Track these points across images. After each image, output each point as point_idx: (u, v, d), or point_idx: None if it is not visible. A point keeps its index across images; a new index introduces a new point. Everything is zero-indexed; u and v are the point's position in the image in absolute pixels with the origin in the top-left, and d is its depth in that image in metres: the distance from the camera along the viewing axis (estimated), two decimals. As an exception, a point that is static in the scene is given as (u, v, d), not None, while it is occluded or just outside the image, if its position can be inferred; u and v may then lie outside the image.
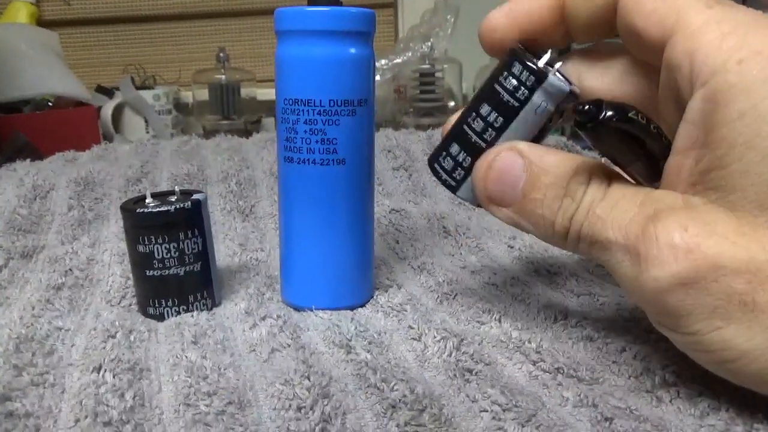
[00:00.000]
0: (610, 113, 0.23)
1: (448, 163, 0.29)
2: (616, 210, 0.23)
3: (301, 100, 0.33)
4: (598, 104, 0.23)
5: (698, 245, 0.21)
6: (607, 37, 0.27)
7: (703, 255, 0.21)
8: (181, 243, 0.34)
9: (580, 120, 0.24)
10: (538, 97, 0.26)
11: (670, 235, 0.21)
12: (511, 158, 0.26)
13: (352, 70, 0.33)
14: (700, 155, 0.22)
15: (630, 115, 0.23)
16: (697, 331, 0.22)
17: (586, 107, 0.23)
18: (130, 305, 0.36)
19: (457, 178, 0.29)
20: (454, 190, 0.29)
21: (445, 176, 0.29)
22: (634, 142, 0.24)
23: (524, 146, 0.26)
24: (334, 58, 0.32)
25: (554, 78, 0.26)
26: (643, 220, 0.22)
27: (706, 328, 0.21)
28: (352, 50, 0.32)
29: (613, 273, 0.24)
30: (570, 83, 0.26)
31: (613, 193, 0.24)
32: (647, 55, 0.25)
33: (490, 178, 0.26)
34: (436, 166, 0.29)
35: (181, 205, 0.33)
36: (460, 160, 0.28)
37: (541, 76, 0.26)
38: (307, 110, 0.33)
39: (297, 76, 0.33)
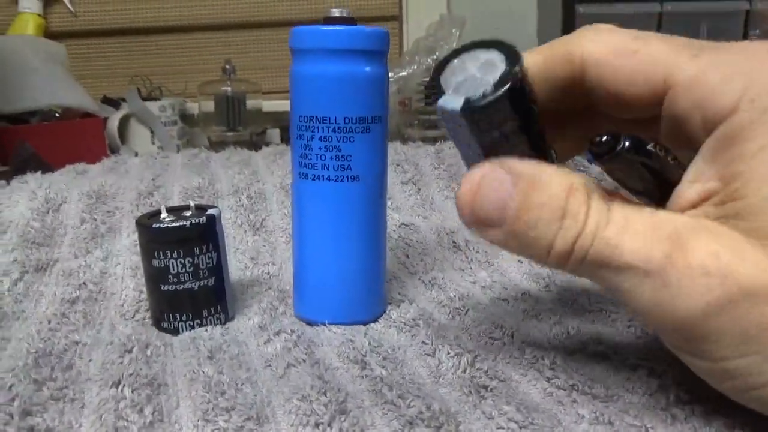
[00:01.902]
0: (627, 145, 0.23)
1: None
2: (627, 233, 0.22)
3: (317, 117, 0.33)
4: (616, 136, 0.24)
5: (732, 272, 0.21)
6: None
7: (737, 282, 0.20)
8: (195, 258, 0.34)
9: (598, 151, 0.24)
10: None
11: (703, 262, 0.21)
12: (498, 176, 0.23)
13: (366, 88, 0.33)
14: (712, 189, 0.23)
15: (648, 147, 0.24)
16: (723, 358, 0.21)
17: (603, 139, 0.24)
18: (144, 319, 0.36)
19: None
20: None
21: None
22: (649, 172, 0.24)
23: (513, 162, 0.24)
24: (349, 76, 0.33)
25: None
26: (665, 244, 0.21)
27: (732, 354, 0.21)
28: (367, 68, 0.33)
29: (625, 296, 0.23)
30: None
31: (616, 214, 0.23)
32: (629, 112, 0.26)
33: (477, 200, 0.24)
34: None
35: (197, 220, 0.34)
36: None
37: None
38: (322, 127, 0.33)
39: (312, 94, 0.33)
